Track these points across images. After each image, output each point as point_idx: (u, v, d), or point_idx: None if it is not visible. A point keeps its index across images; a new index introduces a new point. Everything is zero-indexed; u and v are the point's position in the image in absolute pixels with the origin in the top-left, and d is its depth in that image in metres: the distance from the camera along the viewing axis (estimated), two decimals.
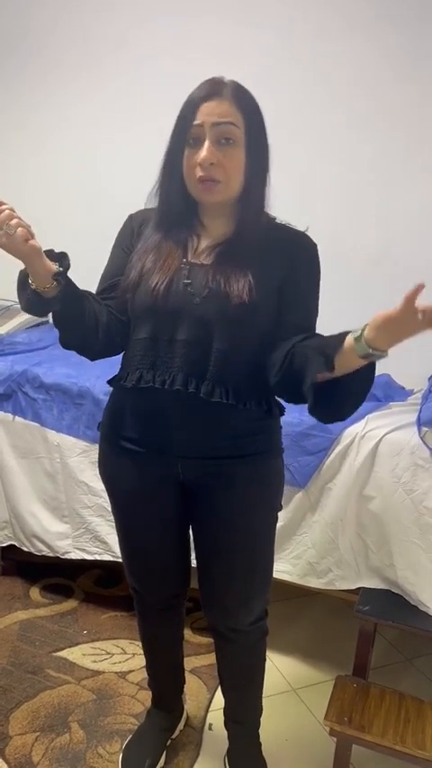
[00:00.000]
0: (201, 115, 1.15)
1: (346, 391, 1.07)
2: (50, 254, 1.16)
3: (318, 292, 1.27)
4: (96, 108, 2.56)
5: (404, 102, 2.09)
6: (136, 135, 2.44)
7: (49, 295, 1.15)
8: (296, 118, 2.15)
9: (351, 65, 2.13)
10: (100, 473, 1.43)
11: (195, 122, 1.16)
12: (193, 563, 1.44)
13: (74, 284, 1.19)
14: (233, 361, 1.21)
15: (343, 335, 1.04)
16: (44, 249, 1.14)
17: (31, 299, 1.16)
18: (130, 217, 1.35)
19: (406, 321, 0.95)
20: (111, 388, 1.37)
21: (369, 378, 1.06)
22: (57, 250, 1.18)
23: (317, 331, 1.24)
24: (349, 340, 1.02)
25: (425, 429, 1.66)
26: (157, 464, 1.30)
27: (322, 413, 1.13)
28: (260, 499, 1.33)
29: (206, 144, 1.15)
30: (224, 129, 1.15)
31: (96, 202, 2.57)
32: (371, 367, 1.04)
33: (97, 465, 1.44)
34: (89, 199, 2.62)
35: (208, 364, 1.20)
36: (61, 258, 1.17)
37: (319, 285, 1.28)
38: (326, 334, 1.15)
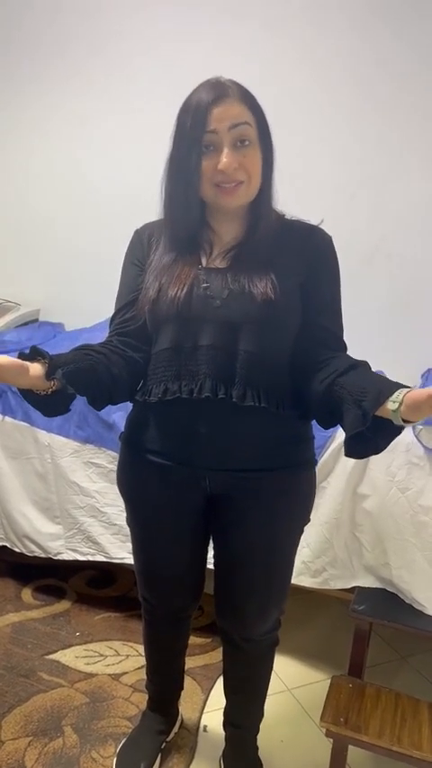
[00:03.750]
0: (214, 121, 1.10)
1: (374, 430, 1.06)
2: (24, 356, 1.08)
3: (339, 286, 1.25)
4: (88, 107, 2.51)
5: (397, 99, 2.07)
6: (128, 133, 2.41)
7: (55, 389, 1.09)
8: (290, 115, 2.12)
9: (345, 61, 2.11)
10: (119, 484, 1.38)
11: (209, 129, 1.10)
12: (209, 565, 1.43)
13: (70, 362, 1.11)
14: (261, 362, 1.17)
15: (383, 394, 1.02)
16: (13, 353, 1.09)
17: (43, 407, 1.12)
18: (137, 232, 1.31)
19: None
20: None
21: (396, 431, 1.06)
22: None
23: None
24: (386, 407, 1.01)
25: (419, 427, 1.65)
26: (185, 477, 1.25)
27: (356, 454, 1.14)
28: (288, 513, 1.30)
29: (225, 150, 1.11)
30: (240, 130, 1.11)
31: (88, 201, 2.54)
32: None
33: (116, 475, 1.39)
34: (81, 198, 2.59)
35: (235, 368, 1.16)
36: (36, 354, 1.09)
37: (339, 278, 1.25)
38: None
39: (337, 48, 2.11)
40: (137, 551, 1.42)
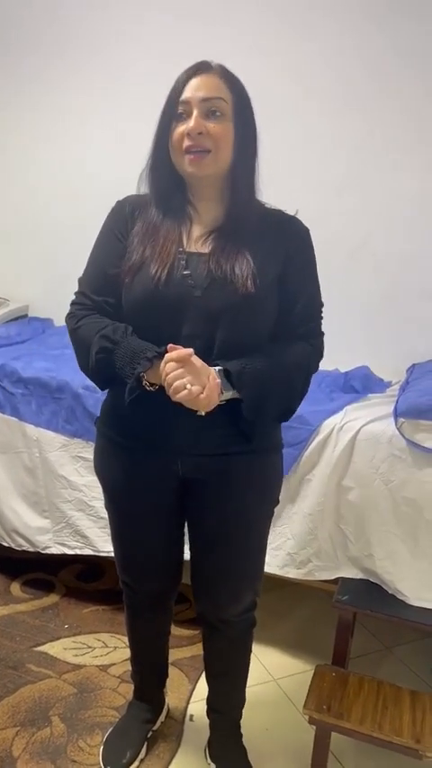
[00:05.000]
0: (189, 90, 1.15)
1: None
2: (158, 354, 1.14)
3: (316, 275, 1.28)
4: (88, 107, 2.52)
5: (381, 97, 2.10)
6: (123, 130, 2.41)
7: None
8: (274, 111, 2.15)
9: (329, 59, 2.13)
10: (96, 469, 1.41)
11: (182, 98, 1.15)
12: (187, 555, 1.45)
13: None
14: (236, 352, 1.18)
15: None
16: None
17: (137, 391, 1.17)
18: (120, 203, 1.30)
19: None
20: (89, 382, 1.35)
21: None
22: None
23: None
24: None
25: (401, 420, 1.68)
26: (157, 461, 1.28)
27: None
28: (258, 494, 1.33)
29: (194, 114, 1.14)
30: (213, 103, 1.15)
31: (80, 200, 2.55)
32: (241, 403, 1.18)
33: (93, 460, 1.42)
34: (73, 196, 2.59)
35: (211, 358, 1.17)
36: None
37: (315, 267, 1.28)
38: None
39: (323, 49, 2.13)
40: (114, 534, 1.45)
